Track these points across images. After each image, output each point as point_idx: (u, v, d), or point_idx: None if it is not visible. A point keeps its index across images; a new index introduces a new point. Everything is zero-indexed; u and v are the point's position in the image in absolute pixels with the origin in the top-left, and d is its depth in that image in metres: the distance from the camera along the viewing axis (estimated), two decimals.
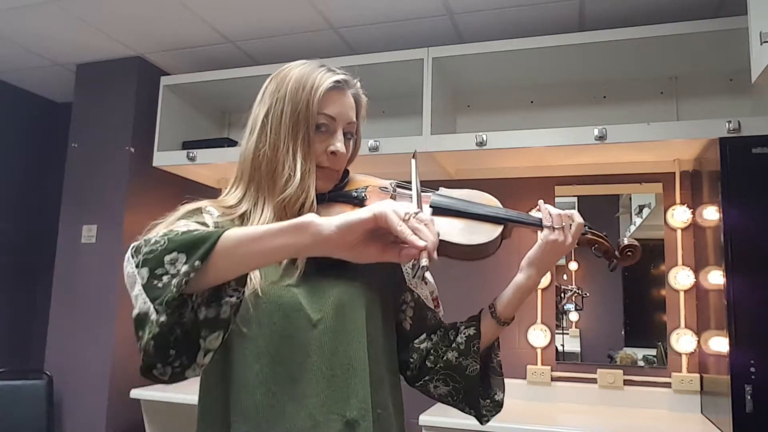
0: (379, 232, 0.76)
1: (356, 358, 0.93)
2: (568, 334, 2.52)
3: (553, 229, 1.04)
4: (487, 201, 1.07)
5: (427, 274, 1.12)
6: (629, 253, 1.09)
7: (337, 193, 1.03)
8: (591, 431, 2.02)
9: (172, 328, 0.74)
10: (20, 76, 3.20)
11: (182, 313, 0.75)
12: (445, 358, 1.06)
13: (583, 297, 2.52)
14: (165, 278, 0.74)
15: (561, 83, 2.59)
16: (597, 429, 2.04)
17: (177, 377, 0.78)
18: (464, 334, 1.06)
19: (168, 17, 2.50)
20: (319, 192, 0.99)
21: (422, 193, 1.04)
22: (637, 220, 2.52)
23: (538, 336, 2.49)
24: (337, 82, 1.01)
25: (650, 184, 2.49)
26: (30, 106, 3.42)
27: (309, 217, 0.75)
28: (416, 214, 0.76)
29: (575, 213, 1.06)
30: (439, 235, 0.78)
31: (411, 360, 1.08)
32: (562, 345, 2.51)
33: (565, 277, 2.55)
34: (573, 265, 2.55)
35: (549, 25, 2.40)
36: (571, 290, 2.53)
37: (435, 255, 0.75)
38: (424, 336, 1.09)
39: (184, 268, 0.73)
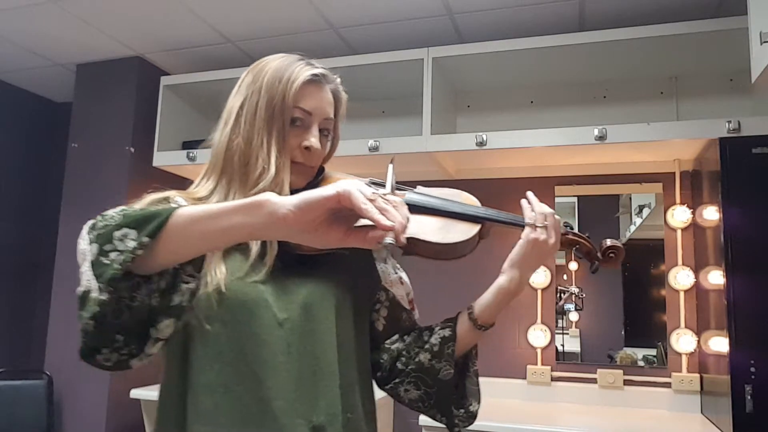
0: (343, 213, 0.71)
1: (325, 360, 0.89)
2: (568, 334, 2.52)
3: (536, 227, 1.00)
4: (466, 200, 1.04)
5: (403, 276, 1.09)
6: (611, 255, 1.05)
7: (311, 189, 1.01)
8: (591, 431, 2.02)
9: (120, 310, 0.71)
10: (20, 76, 3.20)
11: (133, 296, 0.72)
12: (417, 359, 1.01)
13: (581, 298, 2.52)
14: (112, 254, 0.71)
15: (561, 83, 2.59)
16: (597, 429, 2.04)
17: (122, 365, 0.74)
18: (439, 335, 1.01)
19: (168, 17, 2.50)
20: (292, 188, 0.94)
21: (397, 191, 1.00)
22: (637, 220, 2.52)
23: (538, 336, 2.49)
24: (315, 75, 0.97)
25: (650, 184, 2.49)
26: (30, 106, 3.42)
27: (266, 195, 0.70)
28: (385, 195, 0.72)
29: (553, 212, 1.02)
30: (409, 220, 0.73)
31: (382, 361, 1.04)
32: (562, 345, 2.51)
33: (565, 277, 2.55)
34: (573, 265, 2.55)
35: (549, 25, 2.40)
36: (567, 291, 2.53)
37: (403, 237, 0.69)
38: (396, 337, 1.05)
39: (132, 244, 0.69)
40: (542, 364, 2.48)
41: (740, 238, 1.93)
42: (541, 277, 2.53)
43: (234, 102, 0.98)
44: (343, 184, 0.68)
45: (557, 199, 2.59)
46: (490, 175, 2.65)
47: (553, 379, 2.47)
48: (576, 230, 1.07)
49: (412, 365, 1.01)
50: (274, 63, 0.98)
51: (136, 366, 0.76)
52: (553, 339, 2.50)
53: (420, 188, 1.05)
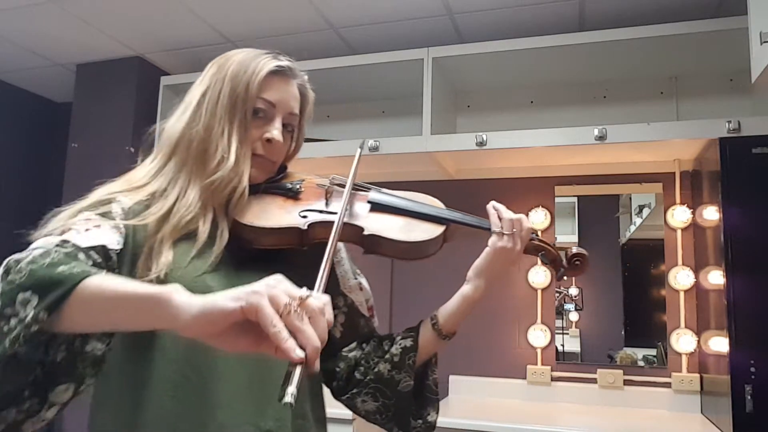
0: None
1: (274, 362, 0.80)
2: (568, 334, 2.51)
3: (503, 234, 0.97)
4: (431, 202, 1.03)
5: (363, 281, 1.06)
6: (577, 263, 1.03)
7: (272, 183, 0.98)
8: (591, 431, 2.02)
9: (32, 367, 0.65)
10: (20, 76, 3.20)
11: (48, 351, 0.66)
12: (376, 369, 0.96)
13: (572, 297, 2.52)
14: (12, 321, 0.63)
15: (561, 83, 2.59)
16: (597, 429, 2.04)
17: (12, 428, 0.66)
18: (400, 345, 0.97)
19: (168, 17, 2.50)
20: (251, 182, 0.92)
21: (360, 192, 1.00)
22: (637, 220, 2.52)
23: (538, 336, 2.49)
24: (280, 67, 0.95)
25: (650, 184, 2.49)
26: (30, 106, 3.42)
27: (170, 292, 0.61)
28: (303, 300, 0.60)
29: (523, 217, 0.99)
30: (325, 341, 0.61)
31: (338, 369, 0.99)
32: (562, 345, 2.51)
33: (565, 277, 2.54)
34: None
35: (549, 25, 2.40)
36: (561, 292, 2.54)
37: (316, 366, 0.59)
38: (354, 344, 1.01)
39: (29, 317, 0.62)
40: (542, 364, 2.48)
41: (740, 238, 1.93)
42: (541, 277, 2.53)
43: (196, 91, 0.96)
44: (253, 294, 0.58)
45: (557, 199, 2.59)
46: (490, 175, 2.65)
47: (553, 379, 2.47)
48: (553, 234, 1.07)
49: (371, 375, 0.97)
50: (240, 55, 0.96)
51: (28, 430, 0.68)
52: (553, 339, 2.50)
53: (385, 190, 1.03)
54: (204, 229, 0.87)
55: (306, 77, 1.01)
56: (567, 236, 2.56)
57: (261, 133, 0.93)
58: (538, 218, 2.56)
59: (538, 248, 1.03)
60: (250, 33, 2.60)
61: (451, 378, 2.54)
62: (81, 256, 0.74)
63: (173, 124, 0.95)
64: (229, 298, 0.60)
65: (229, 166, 0.88)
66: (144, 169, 0.95)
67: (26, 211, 3.37)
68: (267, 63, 0.94)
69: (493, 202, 1.01)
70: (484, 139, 2.28)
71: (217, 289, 0.78)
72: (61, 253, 0.70)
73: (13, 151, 3.31)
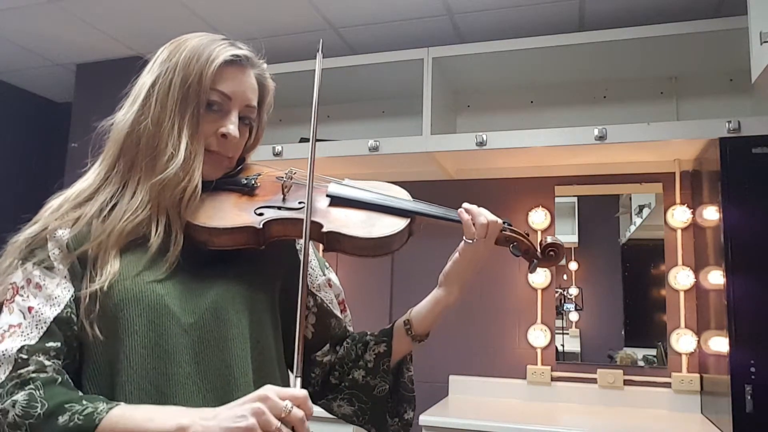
0: None
1: (239, 369, 0.81)
2: (568, 334, 2.51)
3: (475, 240, 0.93)
4: (396, 193, 0.96)
5: (333, 277, 1.02)
6: (552, 253, 0.97)
7: (225, 179, 0.92)
8: (591, 431, 2.02)
9: None
10: (20, 76, 3.20)
11: None
12: (351, 376, 0.95)
13: (572, 297, 2.52)
14: None
15: (561, 83, 2.59)
16: (597, 429, 2.04)
17: None
18: (374, 351, 0.95)
19: (168, 17, 2.50)
20: (205, 179, 0.87)
21: (318, 184, 0.94)
22: (637, 220, 2.52)
23: (538, 336, 2.49)
24: (236, 56, 0.88)
25: (650, 184, 2.49)
26: (30, 106, 3.42)
27: (186, 423, 0.67)
28: (288, 414, 0.67)
29: (492, 218, 0.94)
30: None
31: (312, 375, 0.97)
32: (562, 345, 2.51)
33: (565, 277, 2.55)
34: (573, 265, 2.54)
35: (549, 25, 2.40)
36: (558, 292, 2.54)
37: None
38: (327, 347, 0.98)
39: None
40: (542, 364, 2.48)
41: (740, 238, 1.93)
42: (541, 277, 2.53)
43: (145, 80, 0.89)
44: (249, 421, 0.65)
45: (557, 199, 2.59)
46: (490, 175, 2.65)
47: (553, 379, 2.46)
48: (515, 228, 0.99)
49: (346, 382, 0.95)
50: (193, 41, 0.89)
51: None
52: (553, 339, 2.50)
53: (348, 181, 0.97)
54: (156, 233, 0.83)
55: (265, 65, 0.95)
56: (567, 236, 2.56)
57: (215, 128, 0.87)
58: (538, 218, 2.56)
59: (509, 239, 0.97)
60: (250, 33, 2.60)
61: (451, 378, 2.54)
62: (48, 363, 0.75)
63: (121, 118, 0.89)
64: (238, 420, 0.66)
65: (178, 164, 0.83)
66: (92, 176, 0.89)
67: (26, 212, 3.37)
68: (222, 51, 0.87)
69: (465, 205, 0.96)
70: (484, 139, 2.28)
71: (169, 298, 0.80)
72: (43, 390, 0.72)
73: (13, 151, 3.31)
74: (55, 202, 0.88)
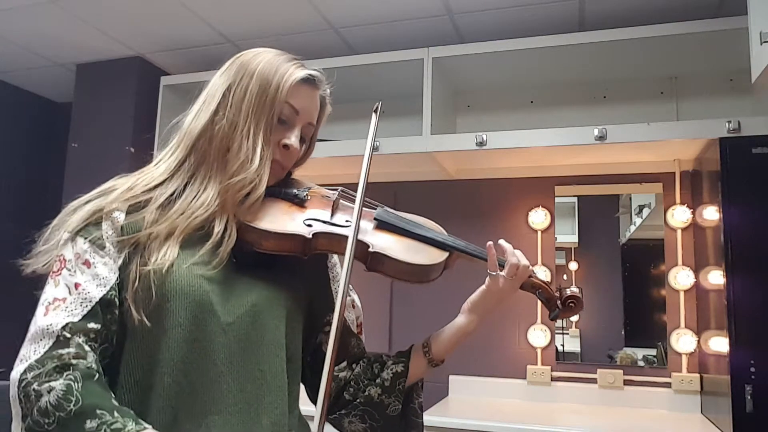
0: None
1: (272, 373, 0.83)
2: (568, 334, 2.51)
3: (502, 277, 0.97)
4: (433, 226, 1.02)
5: (356, 298, 1.06)
6: (571, 305, 1.03)
7: (279, 188, 0.95)
8: (591, 431, 2.02)
9: None
10: (20, 76, 3.20)
11: None
12: (366, 393, 0.96)
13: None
14: None
15: (561, 83, 2.59)
16: (597, 429, 2.04)
17: None
18: (391, 370, 0.96)
19: (168, 17, 2.50)
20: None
21: (365, 208, 0.98)
22: (637, 220, 2.52)
23: (538, 336, 2.49)
24: (312, 76, 0.94)
25: (650, 184, 2.49)
26: (30, 106, 3.42)
27: None
28: None
29: (523, 260, 0.98)
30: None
31: None
32: (562, 345, 2.51)
33: (565, 277, 2.55)
34: (573, 265, 2.55)
35: (549, 25, 2.40)
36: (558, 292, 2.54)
37: None
38: (344, 364, 0.99)
39: None
40: (542, 364, 2.48)
41: (740, 238, 1.93)
42: (541, 277, 2.52)
43: (219, 82, 0.92)
44: None
45: (557, 199, 2.59)
46: (490, 175, 2.64)
47: (553, 379, 2.47)
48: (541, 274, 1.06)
49: (361, 398, 0.96)
50: (268, 55, 0.93)
51: None
52: (553, 339, 2.50)
53: (390, 210, 1.02)
54: (218, 231, 0.85)
55: (329, 91, 1.01)
56: (567, 236, 2.56)
57: (280, 138, 0.92)
58: (538, 218, 2.56)
59: (536, 286, 1.03)
60: (250, 33, 2.60)
61: (451, 378, 2.54)
62: (87, 348, 0.76)
63: (194, 116, 0.92)
64: None
65: (253, 169, 0.86)
66: (163, 165, 0.91)
67: (26, 211, 3.37)
68: (298, 70, 0.93)
69: (501, 242, 1.00)
70: (484, 139, 2.28)
71: (213, 295, 0.81)
72: (81, 384, 0.72)
73: (13, 151, 3.31)
74: (124, 183, 0.89)
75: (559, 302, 1.03)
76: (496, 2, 2.29)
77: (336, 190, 1.00)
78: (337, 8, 2.37)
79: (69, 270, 0.80)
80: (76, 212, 0.85)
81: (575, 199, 2.60)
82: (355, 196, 0.93)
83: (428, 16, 2.42)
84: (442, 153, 2.39)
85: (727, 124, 2.01)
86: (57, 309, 0.77)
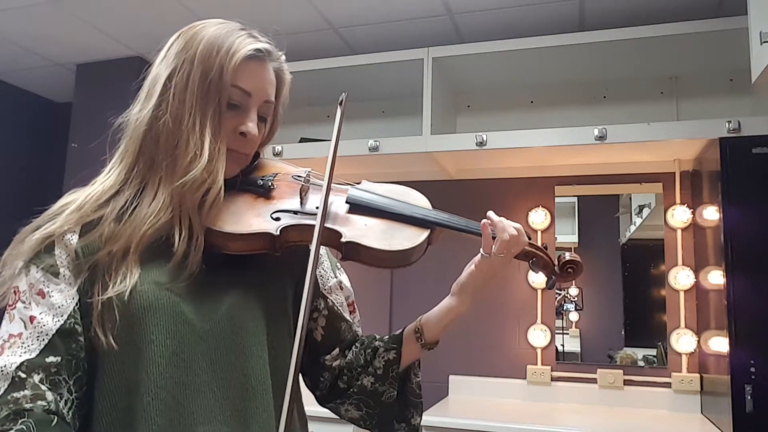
0: None
1: (256, 378, 0.79)
2: (568, 334, 2.51)
3: (494, 255, 0.89)
4: (414, 200, 0.93)
5: (344, 279, 1.00)
6: (570, 270, 0.95)
7: (242, 179, 0.88)
8: (591, 431, 2.02)
9: None
10: (20, 76, 3.20)
11: None
12: (359, 382, 0.93)
13: (572, 297, 2.52)
14: None
15: (561, 83, 2.59)
16: (597, 429, 2.04)
17: None
18: (383, 358, 0.93)
19: (168, 17, 2.49)
20: (224, 177, 0.84)
21: (339, 187, 0.91)
22: (637, 220, 2.52)
23: (538, 336, 2.49)
24: (258, 51, 0.85)
25: (650, 184, 2.49)
26: (30, 106, 3.42)
27: None
28: None
29: (519, 233, 0.89)
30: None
31: (321, 379, 0.95)
32: (562, 345, 2.51)
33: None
34: None
35: (549, 25, 2.40)
36: (562, 292, 2.54)
37: None
38: (336, 351, 0.96)
39: None
40: (542, 364, 2.48)
41: (740, 238, 1.93)
42: (541, 277, 2.52)
43: (159, 71, 0.85)
44: None
45: (557, 199, 2.59)
46: (490, 175, 2.64)
47: (553, 379, 2.46)
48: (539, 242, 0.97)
49: (355, 387, 0.94)
50: (210, 29, 0.86)
51: None
52: (553, 339, 2.50)
53: (365, 183, 0.94)
54: (181, 238, 0.79)
55: (283, 57, 0.91)
56: (567, 236, 2.56)
57: (234, 125, 0.84)
58: (538, 218, 2.55)
59: (529, 254, 0.94)
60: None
61: (451, 378, 2.54)
62: (44, 388, 0.72)
63: (137, 113, 0.85)
64: None
65: (202, 165, 0.79)
66: (114, 173, 0.85)
67: (26, 211, 3.37)
68: (242, 44, 0.84)
69: (490, 215, 0.91)
70: (484, 139, 2.28)
71: (184, 304, 0.77)
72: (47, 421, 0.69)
73: (13, 151, 3.31)
74: (74, 200, 0.84)
75: (556, 268, 0.95)
76: (496, 2, 2.29)
77: (305, 170, 0.93)
78: (337, 8, 2.37)
79: (24, 302, 0.76)
80: (25, 241, 0.80)
81: (575, 199, 2.60)
82: (321, 177, 0.86)
83: (428, 16, 2.41)
84: (442, 153, 2.39)
85: (727, 124, 2.01)
86: (13, 346, 0.74)
